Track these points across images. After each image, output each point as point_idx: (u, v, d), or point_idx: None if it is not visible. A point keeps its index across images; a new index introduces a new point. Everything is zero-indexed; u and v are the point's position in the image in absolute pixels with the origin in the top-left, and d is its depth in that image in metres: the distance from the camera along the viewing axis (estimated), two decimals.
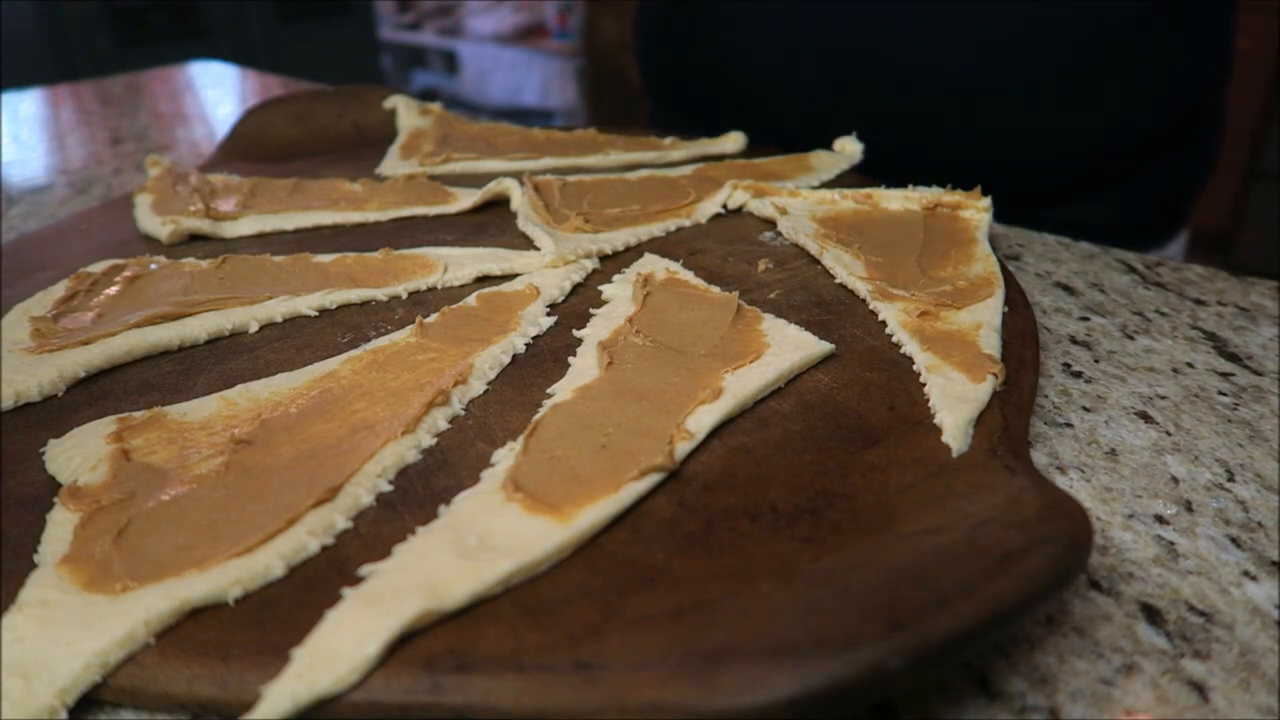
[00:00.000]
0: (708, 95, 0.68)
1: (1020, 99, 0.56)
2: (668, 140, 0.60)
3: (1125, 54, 0.55)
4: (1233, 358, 0.37)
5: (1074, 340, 0.39)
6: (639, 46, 0.74)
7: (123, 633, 0.22)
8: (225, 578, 0.23)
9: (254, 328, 0.38)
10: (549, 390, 0.32)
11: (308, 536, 0.25)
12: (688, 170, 0.54)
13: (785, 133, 0.60)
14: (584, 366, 0.33)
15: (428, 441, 0.30)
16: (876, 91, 0.58)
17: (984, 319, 0.34)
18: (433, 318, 0.37)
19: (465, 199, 0.51)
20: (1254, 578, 0.26)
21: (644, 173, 0.54)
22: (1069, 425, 0.33)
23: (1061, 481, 0.30)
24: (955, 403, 0.29)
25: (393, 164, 0.59)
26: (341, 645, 0.21)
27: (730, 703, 0.18)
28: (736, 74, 0.64)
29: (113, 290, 0.40)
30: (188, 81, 1.05)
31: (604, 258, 0.44)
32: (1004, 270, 0.39)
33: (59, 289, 0.40)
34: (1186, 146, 0.61)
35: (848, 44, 0.58)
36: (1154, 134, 0.58)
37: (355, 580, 0.23)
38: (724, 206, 0.49)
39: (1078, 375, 0.36)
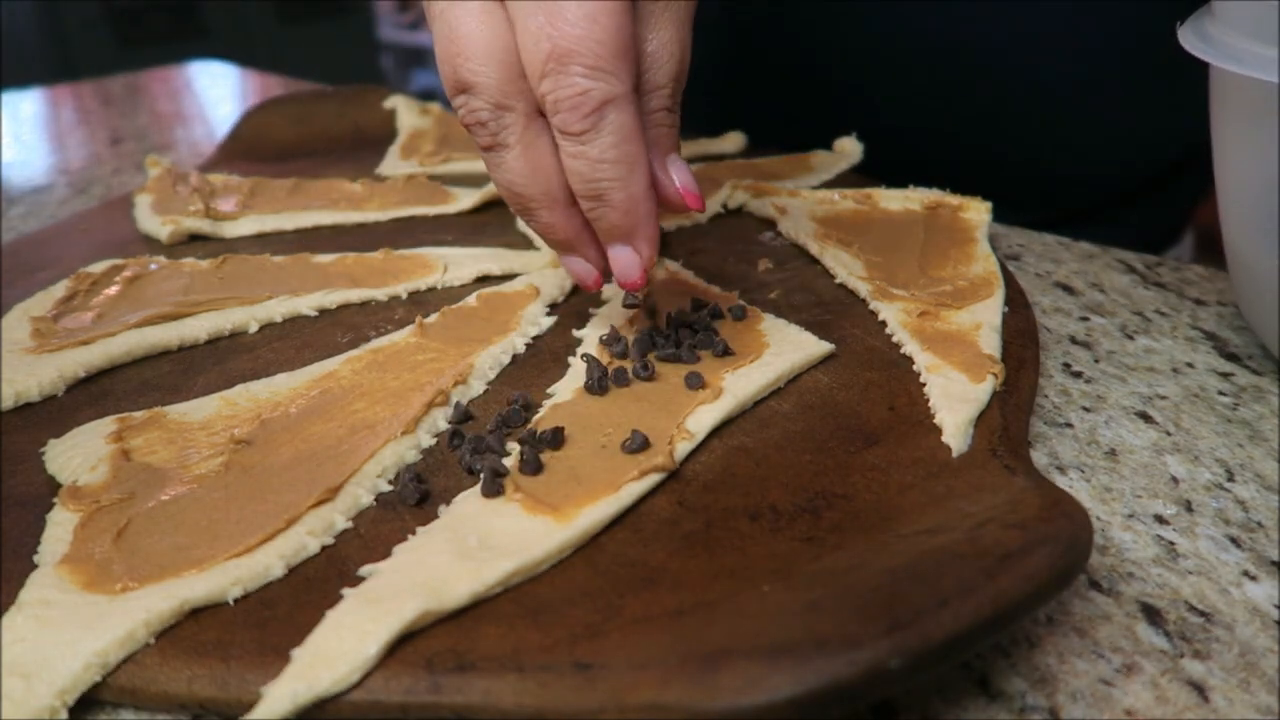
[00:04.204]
0: (740, 91, 0.66)
1: (1076, 108, 0.55)
2: None
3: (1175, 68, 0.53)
4: (1233, 358, 0.37)
5: (1074, 340, 0.39)
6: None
7: (123, 633, 0.22)
8: (225, 578, 0.23)
9: (254, 328, 0.38)
10: (549, 390, 0.32)
11: (308, 536, 0.25)
12: None
13: (818, 130, 0.59)
14: (584, 366, 0.33)
15: (428, 441, 0.30)
16: (936, 93, 0.57)
17: (984, 319, 0.34)
18: (433, 318, 0.37)
19: (465, 199, 0.51)
20: (1254, 578, 0.26)
21: None
22: (1069, 425, 0.33)
23: (1061, 481, 0.30)
24: (955, 403, 0.29)
25: (393, 164, 0.59)
26: (341, 645, 0.21)
27: (730, 703, 0.18)
28: (777, 73, 0.63)
29: (113, 290, 0.40)
30: (188, 81, 1.05)
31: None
32: (1004, 270, 0.39)
33: (59, 289, 0.40)
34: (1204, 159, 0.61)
35: (906, 46, 0.57)
36: (1196, 146, 0.57)
37: (355, 580, 0.23)
38: (724, 206, 0.49)
39: (1078, 375, 0.36)
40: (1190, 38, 0.32)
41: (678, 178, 0.30)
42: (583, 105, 0.26)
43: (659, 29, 0.28)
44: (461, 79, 0.27)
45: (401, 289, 0.40)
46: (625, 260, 0.29)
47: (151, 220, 0.49)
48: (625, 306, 0.34)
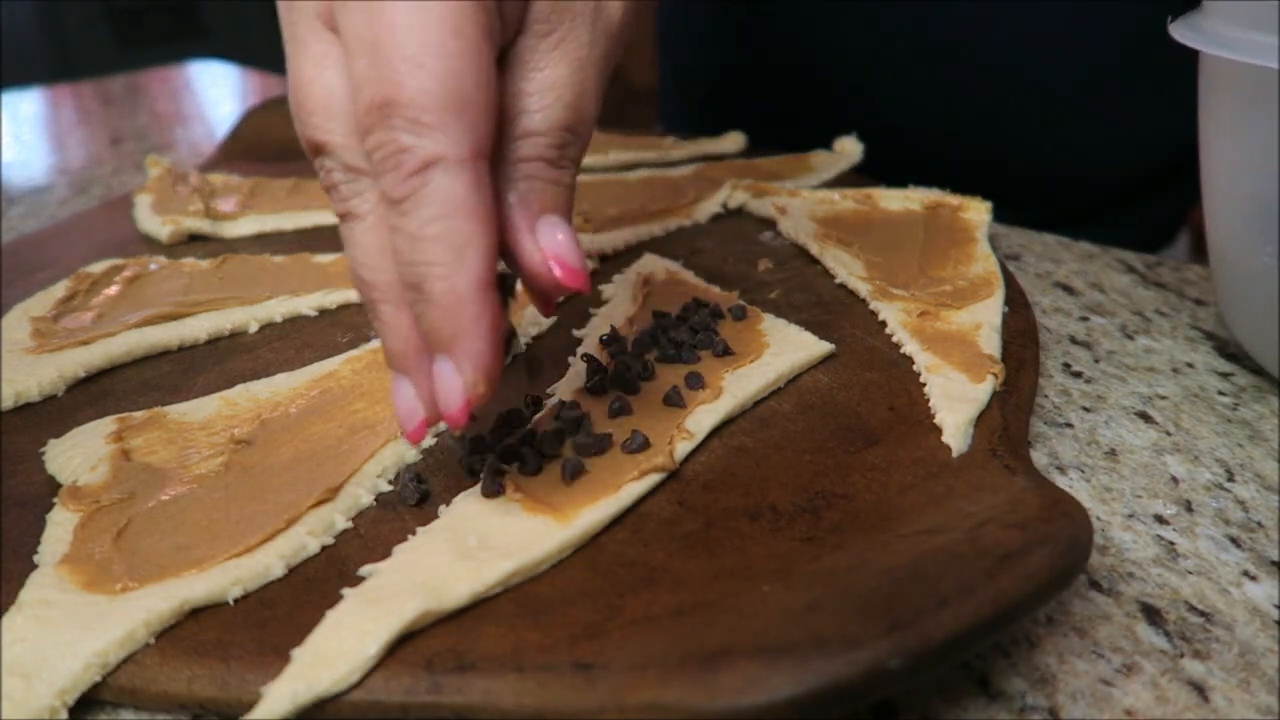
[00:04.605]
0: (742, 91, 0.66)
1: (1076, 108, 0.55)
2: (668, 140, 0.60)
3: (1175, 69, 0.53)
4: (1232, 358, 0.37)
5: (1074, 340, 0.39)
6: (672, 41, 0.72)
7: (123, 633, 0.22)
8: (225, 578, 0.23)
9: (254, 328, 0.38)
10: (549, 390, 0.32)
11: (308, 536, 0.25)
12: (688, 170, 0.54)
13: (821, 130, 0.59)
14: (584, 366, 0.33)
15: (428, 441, 0.30)
16: (936, 93, 0.57)
17: (984, 319, 0.34)
18: None
19: None
20: (1254, 578, 0.26)
21: (644, 173, 0.54)
22: (1069, 425, 0.33)
23: (1061, 481, 0.30)
24: (955, 403, 0.29)
25: None
26: (341, 645, 0.21)
27: (730, 703, 0.18)
28: (780, 73, 0.63)
29: (113, 290, 0.40)
30: (187, 81, 1.05)
31: (604, 258, 0.44)
32: (1004, 270, 0.39)
33: (59, 289, 0.40)
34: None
35: (908, 46, 0.57)
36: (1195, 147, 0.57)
37: (355, 580, 0.23)
38: (724, 206, 0.49)
39: (1078, 375, 0.36)
40: (1182, 29, 0.32)
41: (547, 243, 0.24)
42: (403, 165, 0.21)
43: (543, 68, 0.23)
44: (309, 138, 0.23)
45: None
46: (443, 381, 0.23)
47: (151, 220, 0.49)
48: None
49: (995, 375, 0.30)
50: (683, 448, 0.28)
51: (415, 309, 0.22)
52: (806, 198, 0.48)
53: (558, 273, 0.23)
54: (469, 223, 0.21)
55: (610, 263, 0.43)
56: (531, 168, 0.23)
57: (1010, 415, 0.29)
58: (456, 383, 0.22)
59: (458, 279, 0.21)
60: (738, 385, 0.31)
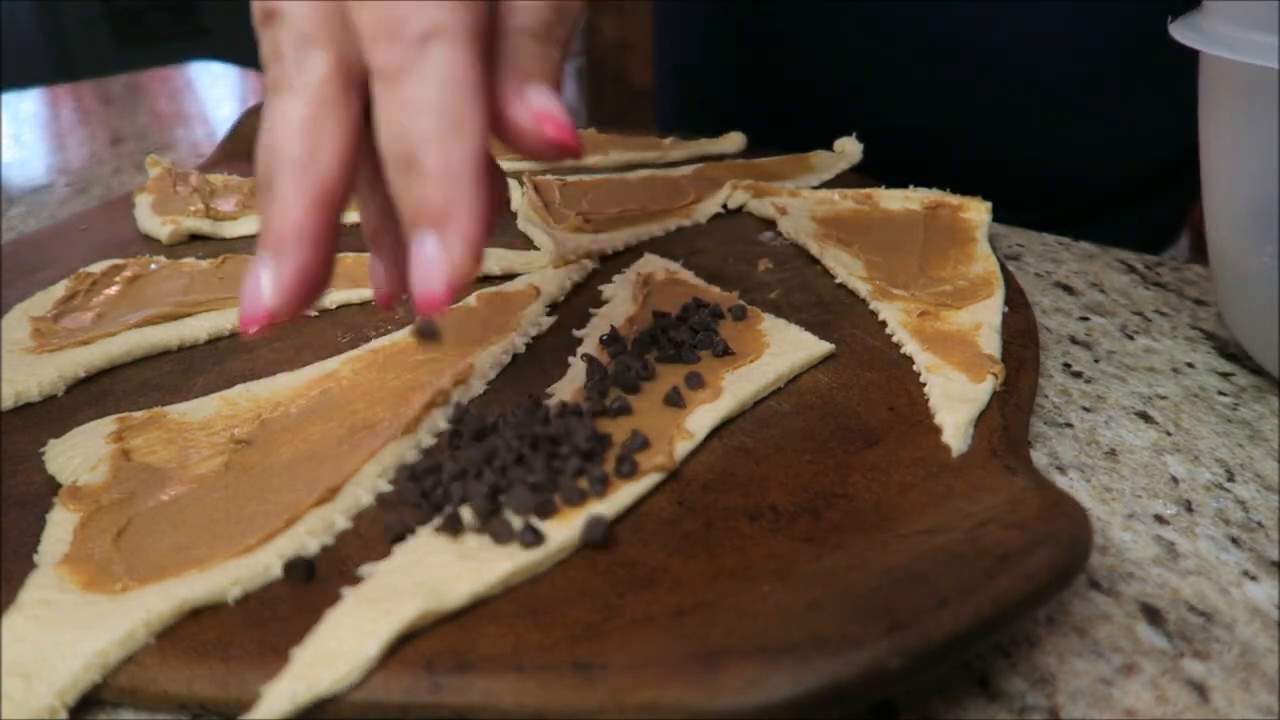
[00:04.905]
0: (740, 94, 0.66)
1: (1076, 108, 0.55)
2: (668, 140, 0.60)
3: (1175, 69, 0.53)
4: (1232, 358, 0.37)
5: (1074, 340, 0.39)
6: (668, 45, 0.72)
7: (123, 633, 0.22)
8: (225, 578, 0.23)
9: None
10: (549, 390, 0.32)
11: (308, 536, 0.25)
12: (688, 170, 0.54)
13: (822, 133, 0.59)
14: (584, 366, 0.33)
15: (428, 441, 0.30)
16: (936, 93, 0.57)
17: (984, 319, 0.34)
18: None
19: None
20: (1254, 578, 0.26)
21: (644, 173, 0.54)
22: (1069, 425, 0.33)
23: (1061, 481, 0.30)
24: (955, 403, 0.29)
25: None
26: (341, 645, 0.21)
27: (730, 703, 0.18)
28: (782, 75, 0.63)
29: (113, 290, 0.40)
30: (188, 81, 1.05)
31: (604, 258, 0.44)
32: (1004, 270, 0.39)
33: (59, 289, 0.40)
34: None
35: (907, 46, 0.57)
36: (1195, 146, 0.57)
37: (355, 580, 0.23)
38: (724, 206, 0.49)
39: (1078, 375, 0.36)
40: (1182, 29, 0.32)
41: (536, 104, 0.23)
42: (402, 32, 0.21)
43: None
44: (267, 5, 0.22)
45: None
46: (426, 259, 0.21)
47: (151, 220, 0.49)
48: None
49: (995, 375, 0.30)
50: (683, 448, 0.28)
51: (401, 184, 0.22)
52: (806, 198, 0.48)
53: (549, 131, 0.23)
54: (467, 98, 0.21)
55: (610, 263, 0.43)
56: (518, 40, 0.23)
57: (1010, 415, 0.29)
58: (441, 262, 0.21)
59: (454, 151, 0.21)
60: (738, 385, 0.31)
